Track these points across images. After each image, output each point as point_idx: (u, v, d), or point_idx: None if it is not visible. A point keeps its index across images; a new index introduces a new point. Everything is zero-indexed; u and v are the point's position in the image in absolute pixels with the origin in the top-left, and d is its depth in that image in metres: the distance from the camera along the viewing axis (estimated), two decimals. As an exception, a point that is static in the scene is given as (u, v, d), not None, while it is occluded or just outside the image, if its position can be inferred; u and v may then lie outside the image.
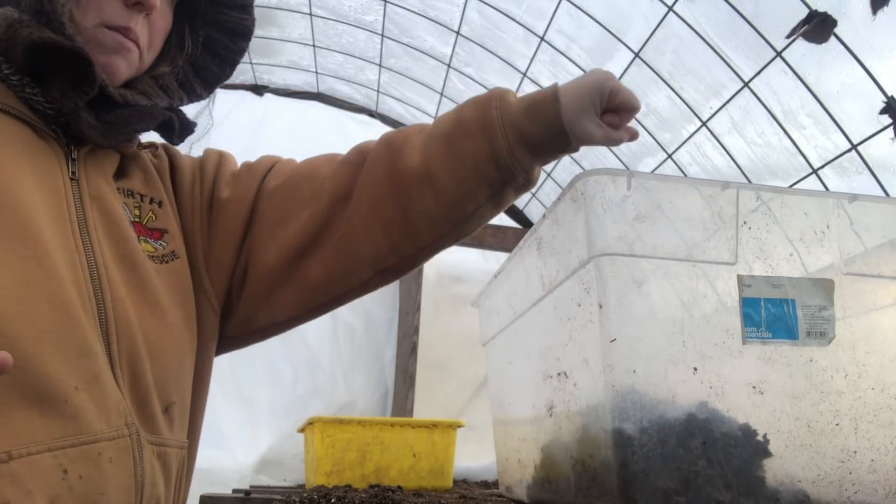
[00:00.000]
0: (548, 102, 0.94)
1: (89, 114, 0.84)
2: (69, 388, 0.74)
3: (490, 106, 0.96)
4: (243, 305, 1.04)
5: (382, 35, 3.41)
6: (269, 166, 1.09)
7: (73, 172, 0.86)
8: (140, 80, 0.96)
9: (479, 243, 3.98)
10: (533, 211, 4.08)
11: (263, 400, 3.36)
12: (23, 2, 0.82)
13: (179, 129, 0.97)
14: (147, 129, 0.93)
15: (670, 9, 2.38)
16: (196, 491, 1.24)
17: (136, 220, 0.93)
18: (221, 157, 1.08)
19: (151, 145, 1.07)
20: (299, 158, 1.14)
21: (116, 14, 0.86)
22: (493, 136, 0.95)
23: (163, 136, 0.98)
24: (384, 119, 4.03)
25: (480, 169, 0.96)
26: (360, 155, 1.04)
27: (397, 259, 1.01)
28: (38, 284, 0.75)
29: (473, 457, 3.08)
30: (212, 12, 1.02)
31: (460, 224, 1.00)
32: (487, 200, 0.98)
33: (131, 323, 0.84)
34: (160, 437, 0.87)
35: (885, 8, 1.69)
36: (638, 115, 1.00)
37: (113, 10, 0.85)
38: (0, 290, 0.71)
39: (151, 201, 0.97)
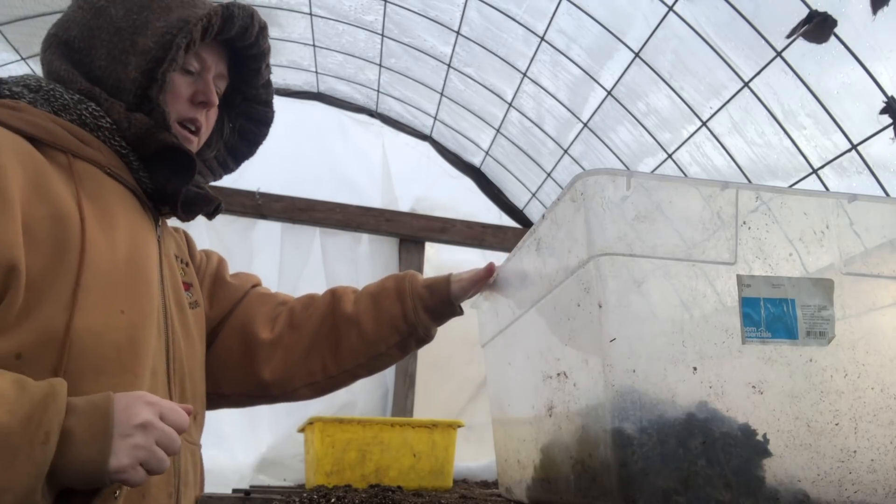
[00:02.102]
0: (443, 285, 1.37)
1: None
2: None
3: (405, 281, 1.39)
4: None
5: (382, 35, 3.41)
6: (257, 282, 1.46)
7: (159, 236, 1.15)
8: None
9: (479, 243, 3.99)
10: (533, 211, 4.08)
11: (263, 400, 3.36)
12: (130, 94, 1.08)
13: (218, 209, 1.27)
14: (208, 210, 1.24)
15: (670, 9, 2.38)
16: (196, 491, 1.26)
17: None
18: (222, 260, 1.44)
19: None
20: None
21: (187, 109, 1.15)
22: (404, 300, 1.36)
23: (206, 215, 1.26)
24: (384, 119, 4.03)
25: (394, 322, 1.36)
26: (310, 298, 1.42)
27: (323, 377, 1.35)
28: (146, 322, 1.02)
29: (473, 457, 3.08)
30: (243, 106, 1.33)
31: (374, 358, 1.37)
32: (395, 345, 1.37)
33: (181, 352, 1.14)
34: (191, 437, 1.13)
35: (885, 8, 1.69)
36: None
37: (185, 107, 1.15)
38: (130, 328, 0.98)
39: (182, 261, 1.27)
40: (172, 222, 1.27)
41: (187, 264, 1.30)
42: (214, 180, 1.34)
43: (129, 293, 1.00)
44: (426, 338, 1.40)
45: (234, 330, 1.34)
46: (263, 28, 1.21)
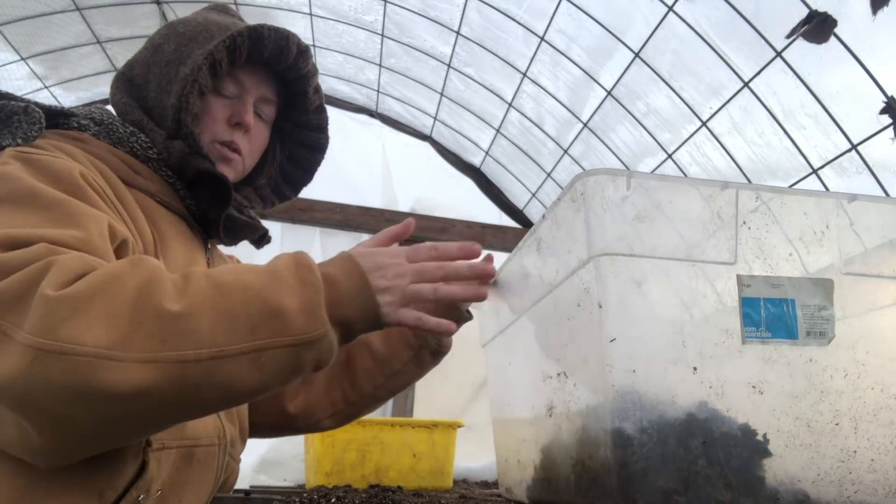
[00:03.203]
0: None
1: (224, 221, 1.16)
2: None
3: None
4: None
5: (382, 35, 3.41)
6: None
7: (208, 259, 1.19)
8: (244, 188, 1.29)
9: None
10: (533, 211, 4.08)
11: (263, 400, 3.36)
12: (170, 120, 1.09)
13: (266, 240, 1.30)
14: (253, 238, 1.26)
15: (670, 9, 2.38)
16: (196, 491, 1.27)
17: None
18: None
19: None
20: None
21: (223, 131, 1.16)
22: None
23: (254, 244, 1.30)
24: (384, 119, 4.03)
25: (403, 337, 1.33)
26: None
27: (345, 405, 1.35)
28: None
29: (473, 457, 3.08)
30: (296, 133, 1.34)
31: (391, 378, 1.35)
32: (410, 360, 1.34)
33: None
34: (235, 452, 1.16)
35: (885, 8, 1.69)
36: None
37: (221, 129, 1.16)
38: None
39: None
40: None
41: None
42: (266, 209, 1.34)
43: None
44: (440, 349, 1.37)
45: None
46: (304, 51, 1.21)
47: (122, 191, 1.02)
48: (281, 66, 1.20)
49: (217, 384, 0.77)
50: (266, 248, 1.35)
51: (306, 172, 1.37)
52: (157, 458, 0.94)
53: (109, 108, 1.19)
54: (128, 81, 1.19)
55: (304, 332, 0.81)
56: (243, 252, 1.40)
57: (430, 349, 1.36)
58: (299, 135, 1.34)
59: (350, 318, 0.87)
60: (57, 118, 1.07)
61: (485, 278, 1.03)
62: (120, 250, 0.89)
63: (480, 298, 1.04)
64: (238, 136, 1.18)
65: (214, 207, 1.15)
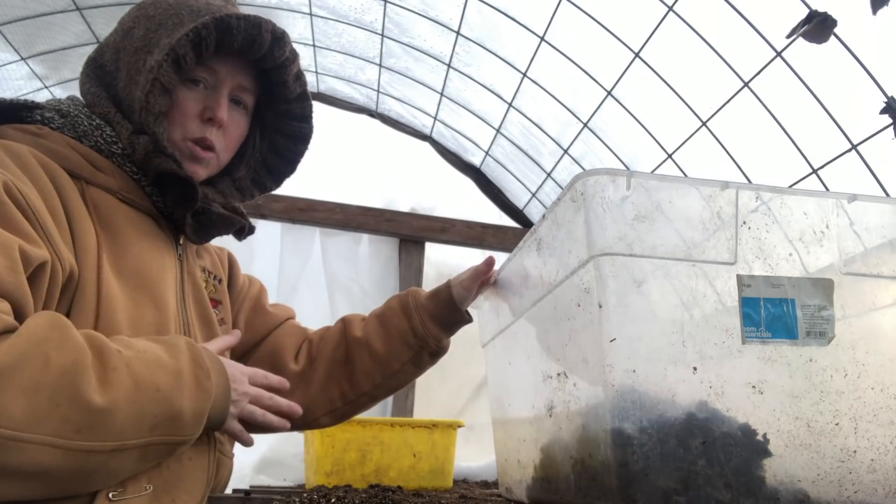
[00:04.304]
0: (444, 290, 1.38)
1: (191, 219, 1.13)
2: None
3: (408, 297, 1.39)
4: None
5: (382, 35, 3.41)
6: (293, 315, 1.48)
7: (180, 255, 1.15)
8: (221, 180, 1.24)
9: (480, 243, 3.98)
10: (533, 211, 4.08)
11: (263, 399, 3.35)
12: (137, 113, 1.06)
13: (246, 232, 1.26)
14: (228, 234, 1.22)
15: (670, 9, 2.38)
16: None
17: (205, 289, 1.23)
18: (263, 287, 1.47)
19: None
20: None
21: (195, 128, 1.12)
22: (410, 315, 1.37)
23: (234, 235, 1.25)
24: (384, 119, 4.03)
25: (403, 337, 1.35)
26: (325, 329, 1.44)
27: (342, 402, 1.36)
28: (162, 335, 1.02)
29: (473, 457, 3.08)
30: (278, 122, 1.27)
31: (389, 378, 1.36)
32: (409, 360, 1.36)
33: None
34: (224, 449, 1.15)
35: (885, 8, 1.69)
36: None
37: (193, 125, 1.11)
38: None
39: (215, 278, 1.28)
40: (217, 241, 1.27)
41: (220, 281, 1.29)
42: (245, 200, 1.29)
43: (136, 318, 1.00)
44: (439, 350, 1.38)
45: (264, 356, 1.36)
46: (279, 38, 1.14)
47: (69, 195, 0.97)
48: (255, 55, 1.14)
49: (108, 471, 0.83)
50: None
51: (289, 164, 1.31)
52: None
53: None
54: (98, 68, 1.13)
55: (190, 434, 0.90)
56: (230, 241, 1.37)
57: (429, 350, 1.37)
58: (281, 124, 1.27)
59: (211, 420, 0.95)
60: (20, 111, 1.04)
61: (291, 416, 1.13)
62: (36, 276, 0.85)
63: (285, 429, 1.14)
64: (211, 131, 1.12)
65: (180, 206, 1.10)
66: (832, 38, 1.91)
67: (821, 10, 1.89)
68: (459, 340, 1.45)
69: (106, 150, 1.06)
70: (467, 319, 1.40)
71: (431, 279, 3.84)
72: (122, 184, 1.06)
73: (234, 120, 1.18)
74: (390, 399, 3.65)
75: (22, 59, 3.37)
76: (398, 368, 1.36)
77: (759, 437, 0.94)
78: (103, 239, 1.00)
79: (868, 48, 1.94)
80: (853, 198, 1.05)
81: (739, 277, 0.98)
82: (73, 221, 0.96)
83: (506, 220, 4.16)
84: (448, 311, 1.37)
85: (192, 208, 1.10)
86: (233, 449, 1.21)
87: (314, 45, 3.61)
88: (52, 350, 0.77)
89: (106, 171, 1.05)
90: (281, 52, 1.16)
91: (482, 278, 1.38)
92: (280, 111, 1.26)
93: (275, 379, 1.12)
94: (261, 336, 1.37)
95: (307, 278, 3.60)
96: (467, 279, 1.37)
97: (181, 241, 1.17)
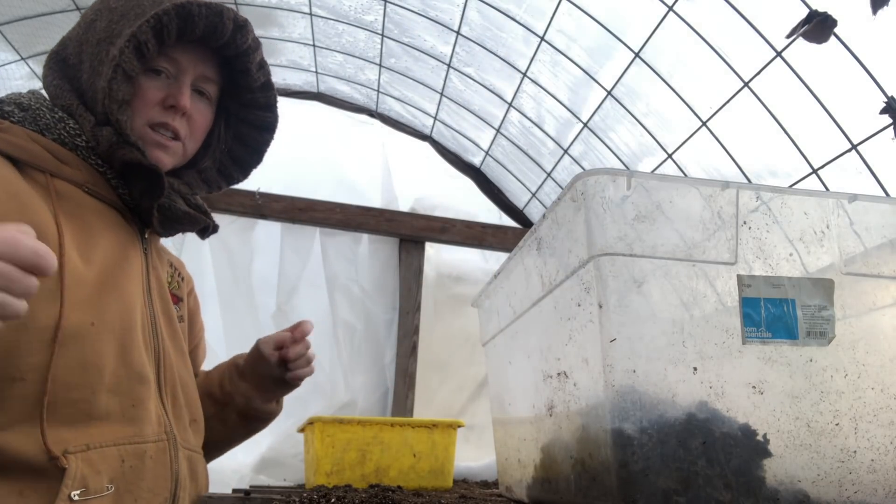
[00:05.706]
0: (253, 347, 1.36)
1: (158, 212, 1.12)
2: (128, 406, 1.03)
3: (241, 355, 1.41)
4: None
5: (382, 35, 3.41)
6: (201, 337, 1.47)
7: (145, 249, 1.15)
8: (187, 172, 1.25)
9: (480, 243, 3.98)
10: (533, 211, 4.08)
11: (263, 399, 3.35)
12: (100, 104, 1.04)
13: (210, 231, 1.26)
14: (193, 231, 1.21)
15: (670, 9, 2.38)
16: (196, 491, 1.27)
17: (168, 286, 1.24)
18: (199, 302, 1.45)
19: None
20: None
21: (157, 113, 1.11)
22: (224, 370, 1.39)
23: (198, 234, 1.26)
24: (384, 119, 4.02)
25: (209, 390, 1.37)
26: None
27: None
28: (129, 330, 1.03)
29: (473, 457, 3.08)
30: (243, 112, 1.28)
31: (206, 430, 1.29)
32: (213, 416, 1.33)
33: (172, 361, 1.15)
34: (189, 444, 1.15)
35: (885, 8, 1.69)
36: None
37: (155, 111, 1.11)
38: (110, 334, 1.00)
39: (178, 274, 1.29)
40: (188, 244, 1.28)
41: (183, 279, 1.31)
42: (212, 192, 1.29)
43: (100, 308, 0.99)
44: (250, 410, 1.36)
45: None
46: (241, 26, 1.14)
47: (22, 189, 0.96)
48: (217, 43, 1.14)
49: None
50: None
51: (254, 153, 1.31)
52: (87, 458, 0.93)
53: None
54: (61, 61, 1.13)
55: None
56: (194, 240, 1.38)
57: (236, 408, 1.37)
58: (246, 114, 1.28)
59: None
60: None
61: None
62: None
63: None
64: (174, 118, 1.12)
65: (146, 197, 1.10)
66: (832, 38, 1.91)
67: (821, 10, 1.89)
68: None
69: (70, 143, 1.05)
70: (289, 384, 1.36)
71: (431, 279, 3.84)
72: (88, 177, 1.06)
73: (199, 110, 1.18)
74: (390, 399, 3.65)
75: (22, 58, 3.37)
76: (210, 415, 1.33)
77: (759, 438, 0.94)
78: (69, 229, 0.99)
79: (868, 48, 1.94)
80: (853, 198, 1.05)
81: (740, 277, 0.98)
82: (31, 214, 0.95)
83: (506, 220, 4.16)
84: (257, 363, 1.34)
85: (158, 198, 1.09)
86: (199, 444, 1.21)
87: (314, 45, 3.61)
88: None
89: (71, 164, 1.04)
90: (243, 40, 1.16)
91: (285, 340, 1.34)
92: (244, 101, 1.26)
93: (35, 249, 0.76)
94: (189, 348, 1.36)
95: (307, 278, 3.60)
96: (272, 338, 1.35)
97: (146, 236, 1.16)
